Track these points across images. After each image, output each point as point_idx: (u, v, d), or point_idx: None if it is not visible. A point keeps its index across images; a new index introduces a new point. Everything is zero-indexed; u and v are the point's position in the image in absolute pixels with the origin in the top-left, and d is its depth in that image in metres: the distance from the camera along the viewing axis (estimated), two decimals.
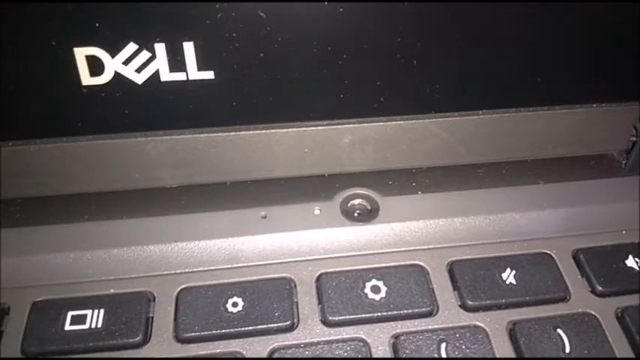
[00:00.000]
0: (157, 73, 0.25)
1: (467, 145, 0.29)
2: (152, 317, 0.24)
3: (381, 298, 0.25)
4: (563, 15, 0.26)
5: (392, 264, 0.26)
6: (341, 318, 0.24)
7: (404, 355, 0.23)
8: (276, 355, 0.23)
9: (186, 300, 0.25)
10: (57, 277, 0.25)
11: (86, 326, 0.24)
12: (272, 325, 0.24)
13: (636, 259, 0.27)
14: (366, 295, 0.25)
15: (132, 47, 0.24)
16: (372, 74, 0.27)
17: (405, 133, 0.29)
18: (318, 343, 0.24)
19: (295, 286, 0.25)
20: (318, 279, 0.26)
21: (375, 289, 0.25)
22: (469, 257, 0.27)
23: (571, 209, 0.28)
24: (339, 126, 0.28)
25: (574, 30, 0.27)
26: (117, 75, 0.25)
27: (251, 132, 0.27)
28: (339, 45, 0.26)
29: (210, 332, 0.24)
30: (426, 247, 0.27)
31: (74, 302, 0.25)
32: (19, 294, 0.25)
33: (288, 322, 0.24)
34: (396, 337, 0.24)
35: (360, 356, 0.23)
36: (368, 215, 0.28)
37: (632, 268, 0.26)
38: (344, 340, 0.24)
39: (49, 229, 0.27)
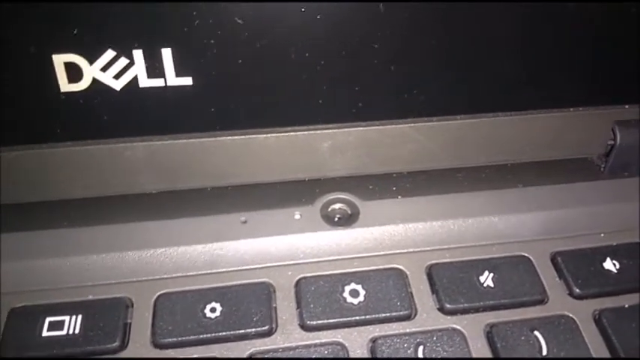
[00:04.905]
0: (135, 80, 0.25)
1: (446, 150, 0.29)
2: (130, 323, 0.24)
3: (360, 302, 0.25)
4: (540, 21, 0.27)
5: (371, 268, 0.26)
6: (319, 322, 0.24)
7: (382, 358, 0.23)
8: None
9: (164, 306, 0.25)
10: (36, 283, 0.25)
11: (64, 332, 0.24)
12: (250, 330, 0.24)
13: (614, 262, 0.27)
14: (344, 299, 0.25)
15: (110, 54, 0.25)
16: (351, 80, 0.27)
17: (384, 138, 0.29)
18: (297, 347, 0.24)
19: (274, 290, 0.25)
20: (297, 283, 0.26)
21: (354, 293, 0.25)
22: (448, 260, 0.27)
23: (550, 212, 0.28)
24: (319, 131, 0.28)
25: (552, 35, 0.27)
26: (95, 81, 0.25)
27: (230, 137, 0.27)
28: (317, 51, 0.26)
29: (187, 338, 0.24)
30: (405, 250, 0.27)
31: (52, 308, 0.24)
32: None
33: (266, 327, 0.24)
34: (374, 340, 0.24)
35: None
36: (348, 219, 0.28)
37: (609, 270, 0.27)
38: (322, 344, 0.24)
39: (27, 235, 0.27)
